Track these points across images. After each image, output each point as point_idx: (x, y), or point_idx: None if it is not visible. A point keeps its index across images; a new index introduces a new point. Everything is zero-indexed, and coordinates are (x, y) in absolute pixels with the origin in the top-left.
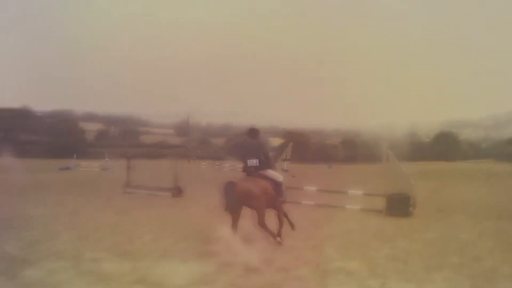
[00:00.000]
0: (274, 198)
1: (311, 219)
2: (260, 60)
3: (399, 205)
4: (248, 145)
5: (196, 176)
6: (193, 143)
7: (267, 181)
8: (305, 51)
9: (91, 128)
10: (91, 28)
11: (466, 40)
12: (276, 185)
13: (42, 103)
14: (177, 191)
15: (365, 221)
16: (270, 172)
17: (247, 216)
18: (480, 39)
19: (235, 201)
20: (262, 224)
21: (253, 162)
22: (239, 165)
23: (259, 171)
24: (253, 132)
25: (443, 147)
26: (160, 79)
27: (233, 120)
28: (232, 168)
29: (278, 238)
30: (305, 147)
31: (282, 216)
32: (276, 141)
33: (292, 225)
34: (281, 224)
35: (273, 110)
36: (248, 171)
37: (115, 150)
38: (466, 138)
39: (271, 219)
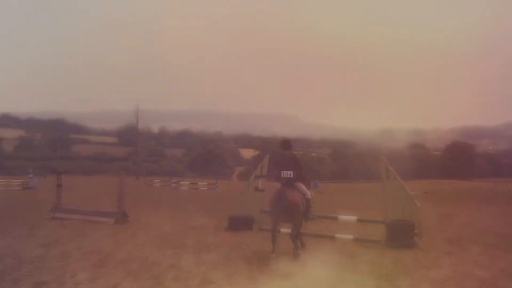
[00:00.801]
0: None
1: (292, 251)
2: (231, 50)
3: (401, 234)
4: (283, 156)
5: (146, 197)
6: (143, 155)
7: (301, 193)
8: (288, 44)
9: (10, 135)
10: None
11: (481, 38)
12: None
13: None
14: (122, 217)
15: (359, 254)
16: (301, 186)
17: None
18: (497, 38)
19: (285, 210)
20: (297, 234)
21: (288, 173)
22: (202, 183)
23: (292, 183)
24: (286, 144)
25: (456, 162)
26: (100, 71)
27: (193, 125)
28: (192, 187)
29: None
30: None
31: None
32: (248, 153)
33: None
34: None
35: (244, 112)
36: (282, 182)
37: (41, 163)
38: (484, 151)
39: None
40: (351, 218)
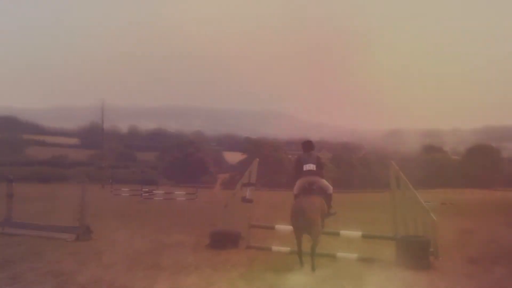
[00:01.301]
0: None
1: (286, 273)
2: (215, 38)
3: (414, 253)
4: (305, 154)
5: (113, 209)
6: (109, 159)
7: (322, 197)
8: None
9: None
10: None
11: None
12: (326, 197)
13: None
14: (84, 232)
15: (364, 276)
16: (323, 182)
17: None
18: None
19: (304, 225)
20: (315, 249)
21: (311, 166)
22: (179, 193)
23: (314, 176)
24: (308, 145)
25: (479, 168)
26: (59, 60)
27: (168, 124)
28: (168, 197)
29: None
30: (278, 166)
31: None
32: (234, 157)
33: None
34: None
35: (229, 108)
36: (304, 175)
37: None
38: (511, 155)
39: None
40: (355, 233)
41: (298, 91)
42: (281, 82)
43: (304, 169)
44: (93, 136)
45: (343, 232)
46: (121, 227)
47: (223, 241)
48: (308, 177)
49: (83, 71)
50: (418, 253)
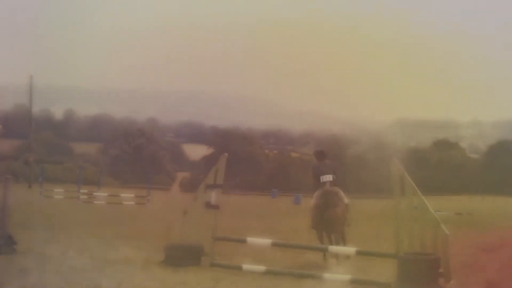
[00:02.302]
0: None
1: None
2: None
3: (420, 274)
4: (321, 164)
5: (43, 215)
6: (38, 152)
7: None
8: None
9: None
10: None
11: None
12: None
13: None
14: (5, 243)
15: None
16: (340, 192)
17: None
18: None
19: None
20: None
21: (328, 177)
22: (126, 195)
23: (333, 186)
24: (321, 155)
25: (503, 169)
26: None
27: (114, 109)
28: (112, 201)
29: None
30: (252, 164)
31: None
32: (196, 151)
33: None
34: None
35: (191, 90)
36: (324, 186)
37: None
38: None
39: None
40: (347, 249)
41: (279, 71)
42: (257, 59)
43: (322, 180)
44: (19, 123)
45: (333, 248)
46: (53, 238)
47: (181, 257)
48: (327, 191)
49: (9, 43)
50: (425, 274)
